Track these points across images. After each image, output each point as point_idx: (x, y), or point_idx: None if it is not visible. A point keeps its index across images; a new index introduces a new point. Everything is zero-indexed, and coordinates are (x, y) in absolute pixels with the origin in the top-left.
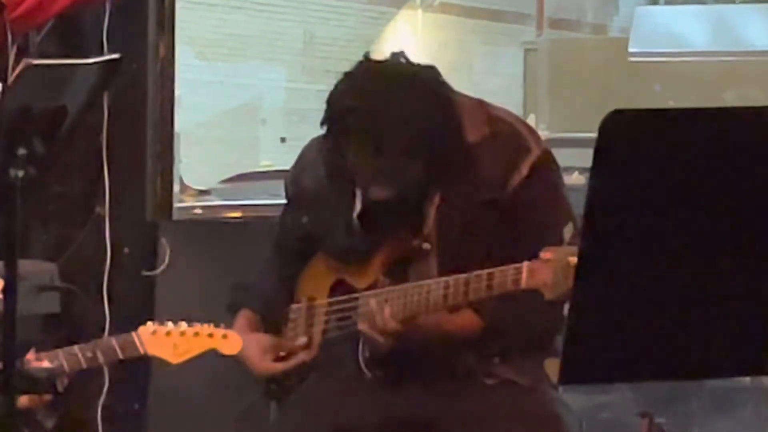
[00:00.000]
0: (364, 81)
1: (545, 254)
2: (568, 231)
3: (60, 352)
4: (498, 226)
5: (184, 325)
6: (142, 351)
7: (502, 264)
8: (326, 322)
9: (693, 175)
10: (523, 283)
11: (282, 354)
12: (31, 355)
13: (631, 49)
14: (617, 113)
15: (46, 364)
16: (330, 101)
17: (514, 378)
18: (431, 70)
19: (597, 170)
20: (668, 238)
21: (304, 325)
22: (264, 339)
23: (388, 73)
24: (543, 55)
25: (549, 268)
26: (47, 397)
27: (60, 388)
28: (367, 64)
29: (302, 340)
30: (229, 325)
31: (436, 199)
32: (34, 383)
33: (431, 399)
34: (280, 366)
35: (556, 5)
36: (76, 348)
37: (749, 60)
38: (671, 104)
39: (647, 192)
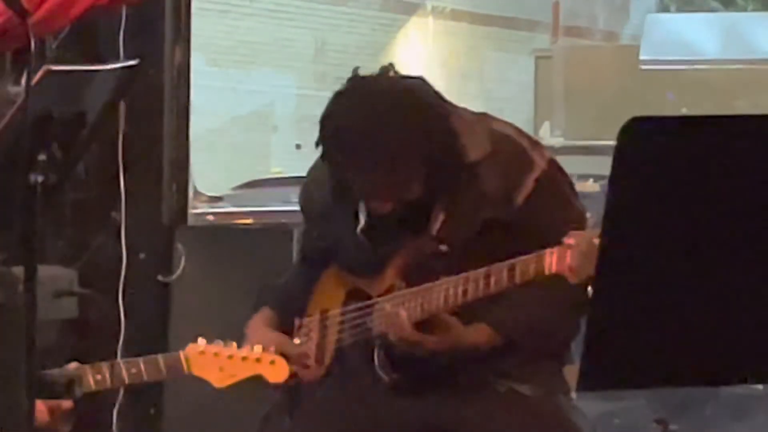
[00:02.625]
0: (354, 98)
1: (568, 239)
2: (590, 216)
3: (104, 365)
4: (503, 244)
5: (233, 347)
6: (186, 371)
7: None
8: (339, 331)
9: (712, 182)
10: (546, 269)
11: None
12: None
13: (642, 57)
14: (636, 121)
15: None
16: (323, 122)
17: (528, 393)
18: (420, 81)
19: (616, 178)
20: (687, 246)
21: (317, 337)
22: (274, 337)
23: (378, 89)
24: (558, 62)
25: (573, 253)
26: (67, 403)
27: (78, 394)
28: (356, 81)
29: (309, 360)
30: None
31: (441, 217)
32: (53, 388)
33: (447, 403)
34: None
35: (568, 13)
36: (121, 363)
37: (761, 68)
38: (684, 111)
39: (666, 199)
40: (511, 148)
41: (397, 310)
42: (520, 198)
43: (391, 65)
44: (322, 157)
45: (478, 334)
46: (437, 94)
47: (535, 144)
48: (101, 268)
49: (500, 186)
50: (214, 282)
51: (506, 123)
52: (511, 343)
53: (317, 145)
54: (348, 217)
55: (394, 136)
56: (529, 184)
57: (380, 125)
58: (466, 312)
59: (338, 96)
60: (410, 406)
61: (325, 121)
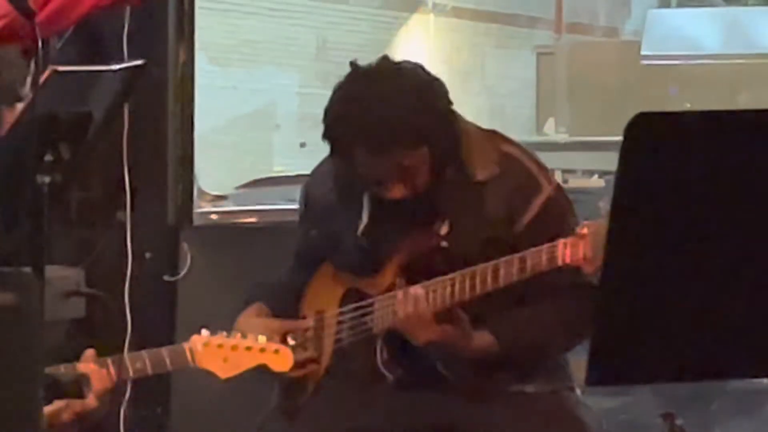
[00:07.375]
0: (353, 87)
1: (581, 229)
2: (604, 205)
3: (109, 360)
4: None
5: (237, 337)
6: (191, 364)
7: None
8: (338, 332)
9: (720, 176)
10: (560, 260)
11: (290, 342)
12: (88, 359)
13: (644, 52)
14: (643, 116)
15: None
16: (325, 114)
17: (533, 390)
18: (416, 65)
19: (623, 173)
20: (695, 241)
21: (314, 338)
22: (271, 323)
23: (374, 74)
24: (560, 58)
25: (586, 243)
26: (76, 404)
27: (87, 394)
28: (353, 71)
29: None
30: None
31: (445, 227)
32: (62, 388)
33: (451, 401)
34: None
35: (568, 8)
36: (125, 357)
37: (763, 62)
38: (687, 106)
39: (674, 194)
40: (519, 171)
41: (415, 290)
42: (524, 221)
43: (386, 56)
44: (330, 151)
45: (482, 340)
46: (429, 74)
47: (543, 168)
48: (107, 268)
49: (506, 208)
50: (219, 281)
51: (515, 144)
52: (508, 357)
53: (323, 138)
54: (350, 216)
55: (393, 115)
56: (534, 208)
57: (380, 105)
58: (474, 319)
59: (338, 88)
60: (414, 403)
61: (328, 113)
